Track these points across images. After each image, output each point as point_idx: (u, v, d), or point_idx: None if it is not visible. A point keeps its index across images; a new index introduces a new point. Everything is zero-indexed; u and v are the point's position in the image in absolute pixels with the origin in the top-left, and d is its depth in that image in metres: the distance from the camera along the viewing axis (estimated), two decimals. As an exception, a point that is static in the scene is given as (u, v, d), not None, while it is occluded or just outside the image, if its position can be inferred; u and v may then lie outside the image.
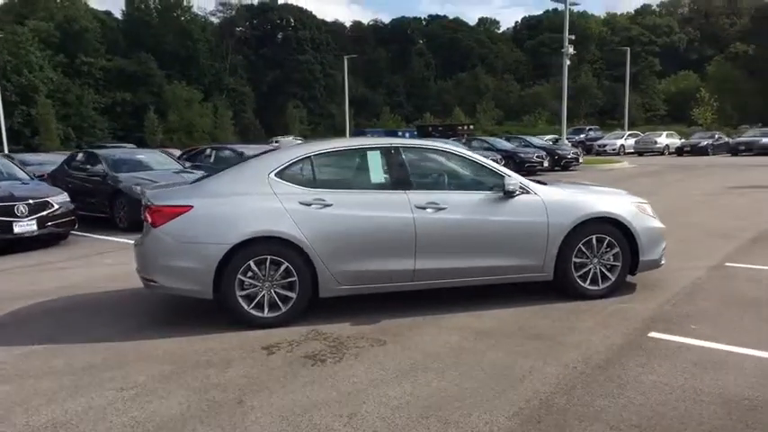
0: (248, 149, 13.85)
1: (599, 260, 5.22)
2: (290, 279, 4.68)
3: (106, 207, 10.59)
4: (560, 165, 22.76)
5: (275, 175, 4.82)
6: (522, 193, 5.07)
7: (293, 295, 4.70)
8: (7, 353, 4.33)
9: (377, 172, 5.05)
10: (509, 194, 5.02)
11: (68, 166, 12.12)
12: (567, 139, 30.25)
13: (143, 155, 12.13)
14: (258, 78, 75.49)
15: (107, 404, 3.43)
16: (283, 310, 4.70)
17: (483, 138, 25.92)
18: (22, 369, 4.02)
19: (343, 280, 4.77)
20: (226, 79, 71.60)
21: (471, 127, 43.97)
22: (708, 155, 30.78)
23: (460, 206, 4.96)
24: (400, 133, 40.38)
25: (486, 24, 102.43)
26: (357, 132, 43.03)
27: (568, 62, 27.23)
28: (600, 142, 36.17)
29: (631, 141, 35.42)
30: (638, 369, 3.72)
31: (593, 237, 5.17)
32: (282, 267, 4.65)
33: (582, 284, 5.21)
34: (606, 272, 5.25)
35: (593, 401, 3.29)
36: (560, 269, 5.13)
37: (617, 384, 3.51)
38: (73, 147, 42.05)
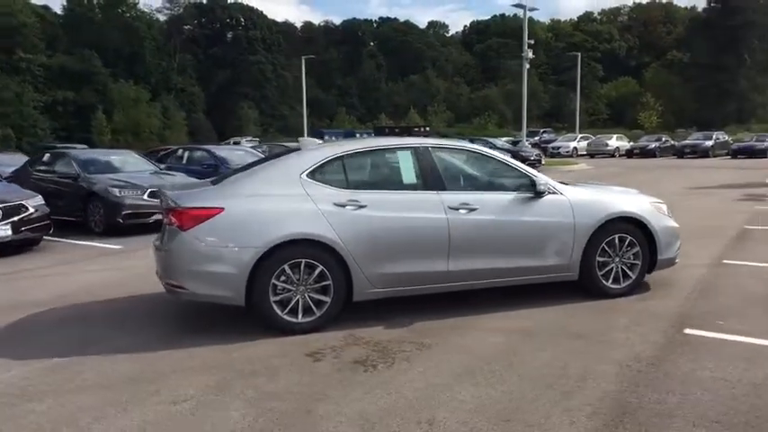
0: (220, 150, 13.53)
1: (620, 259, 5.31)
2: (324, 283, 4.55)
3: (79, 210, 10.05)
4: None
5: (307, 175, 4.68)
6: (550, 193, 5.11)
7: (327, 299, 4.57)
8: (27, 367, 4.02)
9: (408, 172, 4.97)
10: (538, 195, 5.05)
11: (33, 168, 11.47)
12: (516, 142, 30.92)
13: (114, 156, 11.60)
14: (208, 78, 73.65)
15: (165, 419, 3.23)
16: (317, 314, 4.56)
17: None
18: (53, 384, 3.73)
19: (377, 283, 4.67)
20: (174, 78, 69.50)
21: (427, 129, 44.27)
22: (656, 157, 32.10)
23: (492, 207, 4.95)
24: (358, 134, 40.24)
25: (436, 28, 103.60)
26: (315, 133, 42.57)
27: (527, 65, 27.86)
28: (554, 144, 37.18)
29: (584, 144, 36.56)
30: (690, 365, 3.79)
31: (616, 236, 5.26)
32: (317, 271, 4.51)
33: (605, 283, 5.29)
34: (627, 270, 5.35)
35: (663, 399, 3.32)
36: (585, 268, 5.20)
37: (678, 381, 3.55)
38: (13, 147, 39.79)
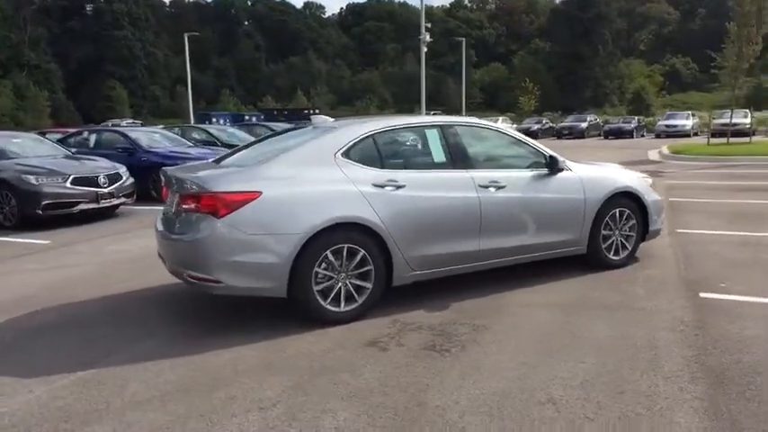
0: (133, 132, 12.39)
1: (619, 232, 5.58)
2: (365, 268, 4.31)
3: (-18, 202, 8.71)
4: None
5: (342, 155, 4.38)
6: (564, 170, 5.23)
7: (369, 286, 4.34)
8: (50, 386, 3.40)
9: (438, 150, 4.83)
10: (555, 172, 5.14)
11: None
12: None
13: (16, 139, 10.16)
14: (65, 55, 66.91)
15: (266, 428, 2.88)
16: (359, 302, 4.32)
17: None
18: (99, 402, 3.19)
19: (415, 266, 4.52)
20: (26, 54, 62.36)
21: (317, 111, 43.65)
22: (538, 138, 34.21)
23: (516, 184, 4.96)
24: (247, 117, 38.74)
25: (312, 9, 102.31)
26: (200, 117, 40.32)
27: (425, 49, 28.32)
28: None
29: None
30: (732, 326, 4.04)
31: (617, 210, 5.51)
32: (359, 256, 4.26)
33: (608, 255, 5.53)
34: (624, 242, 5.64)
35: (740, 359, 3.53)
36: (592, 242, 5.40)
37: (735, 341, 3.79)
38: None
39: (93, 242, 7.60)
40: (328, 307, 4.21)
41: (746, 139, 23.02)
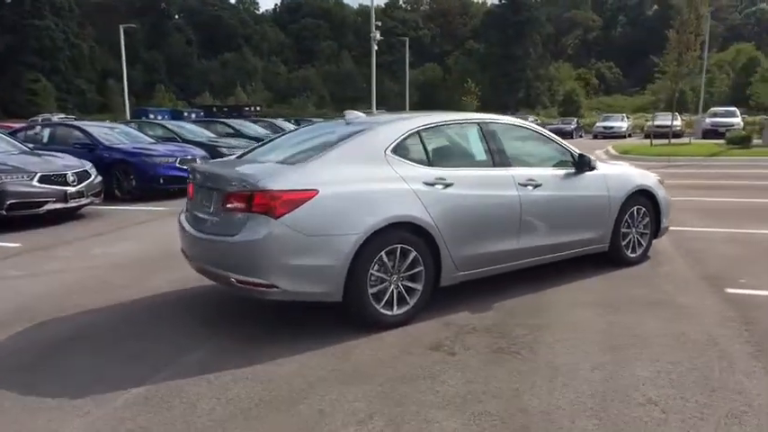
0: (90, 127, 11.64)
1: (636, 229, 5.69)
2: (416, 269, 4.16)
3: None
4: None
5: (391, 151, 4.21)
6: (594, 168, 5.26)
7: (419, 287, 4.19)
8: (106, 406, 3.06)
9: (478, 148, 4.74)
10: (585, 170, 5.17)
11: None
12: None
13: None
14: (-22, 44, 62.31)
15: (378, 442, 2.70)
16: (410, 305, 4.16)
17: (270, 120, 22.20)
18: (174, 422, 2.89)
19: (461, 266, 4.41)
20: (-67, 42, 57.60)
21: (258, 108, 42.74)
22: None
23: (550, 182, 4.94)
24: (186, 113, 37.30)
25: (246, 4, 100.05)
26: (139, 112, 38.44)
27: (375, 47, 28.21)
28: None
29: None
30: (775, 320, 4.20)
31: (635, 208, 5.61)
32: (411, 257, 4.11)
33: (626, 252, 5.63)
34: (640, 239, 5.75)
35: (805, 352, 3.65)
36: (614, 239, 5.47)
37: (788, 335, 3.93)
38: None
39: (72, 245, 7.02)
40: (382, 311, 4.03)
41: (686, 140, 24.31)
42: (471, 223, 4.40)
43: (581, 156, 5.19)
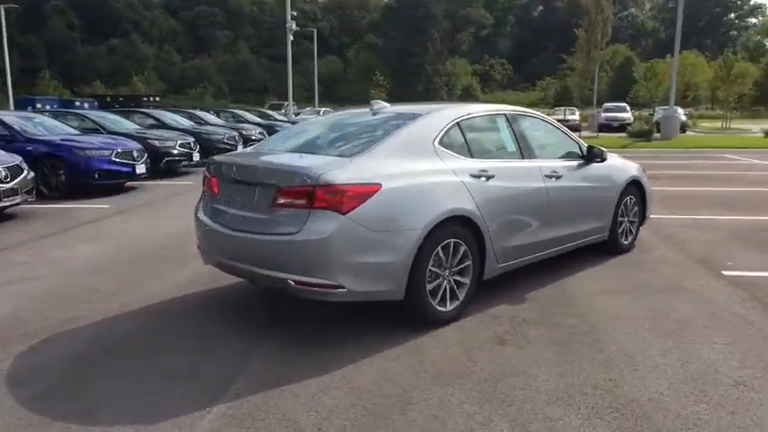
0: (9, 116, 10.44)
1: (628, 218, 5.95)
2: (465, 263, 4.07)
3: None
4: None
5: (438, 143, 4.08)
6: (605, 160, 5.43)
7: (467, 281, 4.11)
8: (190, 429, 2.71)
9: (508, 139, 4.71)
10: (597, 161, 5.30)
11: None
12: (267, 114, 29.79)
13: None
14: None
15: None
16: (460, 299, 4.07)
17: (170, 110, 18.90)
18: (287, 441, 2.62)
19: (501, 258, 4.37)
20: None
21: (158, 99, 40.26)
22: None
23: (568, 174, 5.03)
24: (78, 103, 34.35)
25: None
26: (23, 102, 34.77)
27: (291, 38, 27.50)
28: (302, 117, 37.55)
29: (329, 118, 37.79)
30: (784, 299, 4.54)
31: (628, 198, 5.86)
32: (461, 251, 4.02)
33: (621, 241, 5.87)
34: (630, 227, 6.02)
35: (829, 327, 3.96)
36: (613, 228, 5.68)
37: (805, 312, 4.25)
38: None
39: (23, 250, 6.21)
40: (438, 307, 3.91)
41: (594, 134, 25.81)
42: (510, 215, 4.38)
43: (590, 147, 5.33)
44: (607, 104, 35.73)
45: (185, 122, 15.62)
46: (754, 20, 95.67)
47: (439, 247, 3.83)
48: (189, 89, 71.49)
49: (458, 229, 3.96)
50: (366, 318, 4.06)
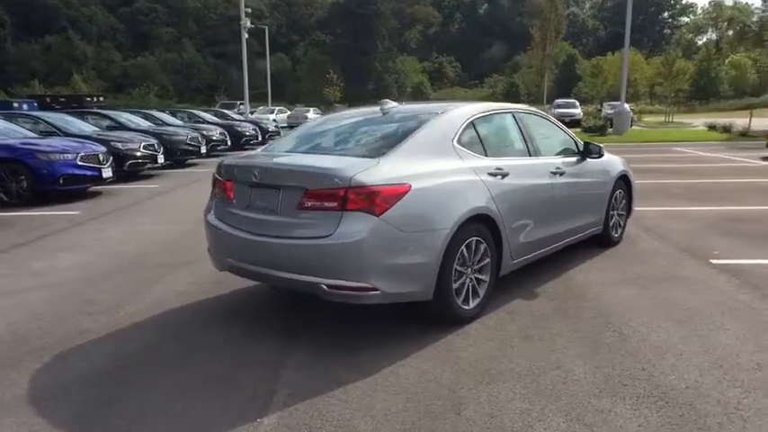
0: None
1: (617, 211, 6.13)
2: (485, 261, 4.10)
3: None
4: (240, 143, 19.80)
5: (457, 142, 4.09)
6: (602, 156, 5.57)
7: (486, 279, 4.15)
8: (250, 441, 2.63)
9: (516, 137, 4.77)
10: (594, 156, 5.44)
11: None
12: (224, 114, 29.28)
13: None
14: None
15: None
16: (480, 297, 4.10)
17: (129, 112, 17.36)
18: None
19: (515, 254, 4.43)
20: None
21: (102, 99, 38.65)
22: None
23: (570, 170, 5.13)
24: (17, 104, 32.54)
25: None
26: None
27: (246, 35, 26.95)
28: (256, 117, 36.94)
29: (283, 116, 37.39)
30: (775, 285, 4.78)
31: (618, 192, 6.04)
32: (482, 249, 4.05)
33: (612, 233, 6.04)
34: (620, 221, 6.21)
35: (825, 310, 4.20)
36: (605, 222, 5.84)
37: (799, 296, 4.49)
38: None
39: (1, 260, 5.88)
40: (462, 306, 3.93)
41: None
42: (523, 212, 4.44)
43: (587, 144, 5.46)
44: (558, 101, 36.72)
45: (143, 123, 15.11)
46: (686, 18, 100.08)
47: (463, 246, 3.85)
48: (131, 88, 69.05)
49: (479, 227, 3.98)
50: (386, 318, 4.03)
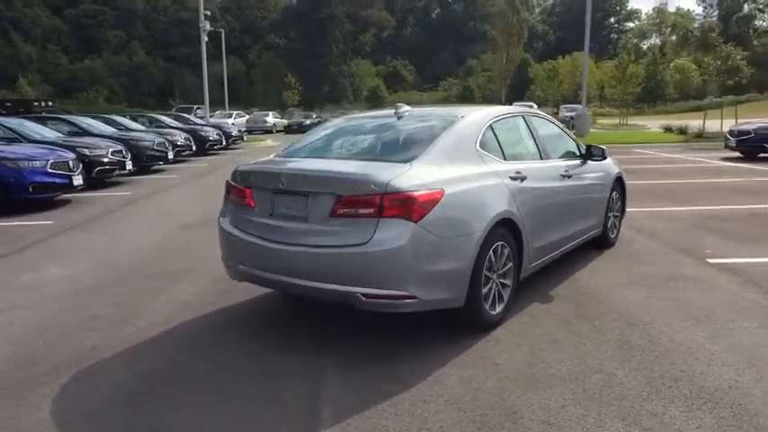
0: None
1: (613, 213, 6.23)
2: (508, 266, 4.08)
3: None
4: (204, 148, 19.82)
5: (479, 146, 4.06)
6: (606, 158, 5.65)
7: (509, 283, 4.13)
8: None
9: (528, 140, 4.77)
10: (597, 159, 5.50)
11: None
12: (185, 118, 28.63)
13: None
14: None
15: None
16: (505, 302, 4.08)
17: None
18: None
19: (532, 258, 4.43)
20: None
21: (50, 104, 37.06)
22: (310, 133, 34.90)
23: (576, 172, 5.17)
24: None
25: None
26: None
27: (206, 38, 26.36)
28: (215, 122, 36.16)
29: (241, 120, 36.75)
30: (775, 282, 4.93)
31: (614, 194, 6.14)
32: (506, 253, 4.02)
33: (609, 235, 6.14)
34: (616, 222, 6.31)
35: (830, 305, 4.36)
36: (605, 223, 5.93)
37: (800, 293, 4.65)
38: None
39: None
40: (489, 311, 3.89)
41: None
42: (539, 216, 4.44)
43: (589, 147, 5.52)
44: (517, 104, 37.34)
45: (107, 129, 14.55)
46: (631, 24, 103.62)
47: (491, 251, 3.82)
48: (79, 92, 66.72)
49: (504, 231, 3.96)
50: (406, 325, 3.96)
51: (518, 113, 4.89)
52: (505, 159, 4.28)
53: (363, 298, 3.35)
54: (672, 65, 66.92)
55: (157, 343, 3.87)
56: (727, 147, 16.32)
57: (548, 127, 5.28)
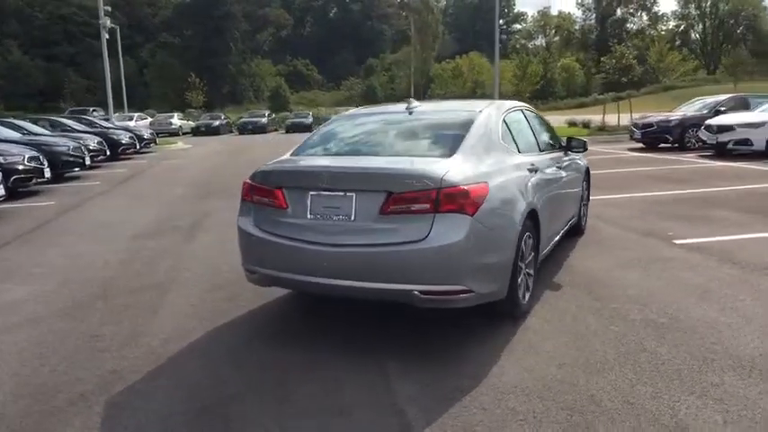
0: None
1: (583, 201, 6.54)
2: (530, 256, 4.17)
3: None
4: (117, 152, 18.42)
5: (501, 139, 4.11)
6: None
7: (532, 272, 4.22)
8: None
9: (529, 133, 4.88)
10: (577, 151, 5.74)
11: None
12: (91, 121, 26.89)
13: None
14: None
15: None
16: (530, 291, 4.17)
17: None
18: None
19: (543, 247, 4.56)
20: None
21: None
22: (220, 134, 33.73)
23: (564, 165, 5.38)
24: None
25: None
26: None
27: (107, 36, 24.63)
28: (122, 124, 33.91)
29: (145, 123, 34.76)
30: (751, 256, 5.35)
31: (584, 183, 6.45)
32: (530, 244, 4.11)
33: (582, 223, 6.44)
34: (585, 210, 6.63)
35: (801, 276, 4.83)
36: (579, 213, 6.22)
37: (769, 267, 5.11)
38: None
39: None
40: (521, 302, 3.97)
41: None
42: (549, 206, 4.57)
43: (569, 139, 5.74)
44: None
45: (12, 134, 13.23)
46: (518, 26, 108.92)
47: (522, 242, 3.89)
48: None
49: (529, 222, 4.04)
50: (429, 319, 3.95)
51: (518, 107, 5.01)
52: (519, 152, 4.37)
53: (421, 295, 3.30)
54: (559, 64, 71.22)
55: (185, 359, 3.58)
56: (632, 138, 17.63)
57: (538, 120, 5.45)
